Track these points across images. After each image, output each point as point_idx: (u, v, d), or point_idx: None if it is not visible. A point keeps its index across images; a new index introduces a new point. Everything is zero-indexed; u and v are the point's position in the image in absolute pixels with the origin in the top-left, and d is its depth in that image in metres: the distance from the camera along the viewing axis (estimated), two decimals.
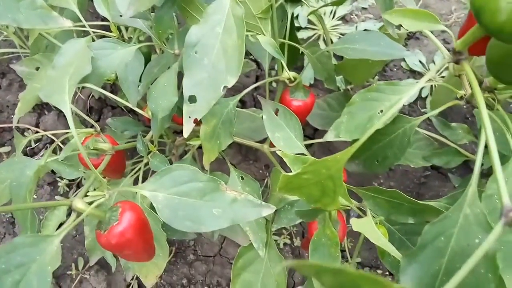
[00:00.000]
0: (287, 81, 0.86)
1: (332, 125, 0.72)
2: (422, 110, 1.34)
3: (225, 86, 0.62)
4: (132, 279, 1.12)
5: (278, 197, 0.84)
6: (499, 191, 0.41)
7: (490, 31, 0.43)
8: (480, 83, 0.66)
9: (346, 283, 0.24)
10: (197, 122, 0.66)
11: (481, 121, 0.47)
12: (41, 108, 1.40)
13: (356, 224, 0.60)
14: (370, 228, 0.60)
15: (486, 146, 0.48)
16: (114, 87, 1.31)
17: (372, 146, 0.72)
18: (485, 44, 0.55)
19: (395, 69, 1.42)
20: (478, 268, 0.47)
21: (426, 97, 1.34)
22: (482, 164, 0.97)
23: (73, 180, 1.27)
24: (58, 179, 1.27)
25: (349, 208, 0.69)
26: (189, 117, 0.62)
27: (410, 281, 0.51)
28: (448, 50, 0.61)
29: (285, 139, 0.79)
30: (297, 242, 1.18)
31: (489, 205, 0.54)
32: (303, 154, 0.75)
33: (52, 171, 1.25)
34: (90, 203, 0.61)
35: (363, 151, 0.73)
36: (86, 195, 0.65)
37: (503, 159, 0.58)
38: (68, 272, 1.15)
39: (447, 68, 1.34)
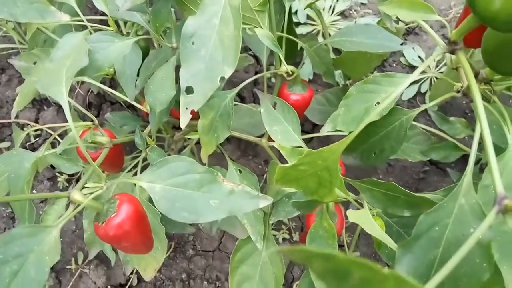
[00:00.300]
0: (285, 75, 0.86)
1: (329, 118, 0.72)
2: (421, 106, 1.34)
3: (222, 77, 0.62)
4: (131, 273, 1.13)
5: (275, 190, 0.84)
6: (493, 180, 0.41)
7: (484, 20, 0.43)
8: (476, 75, 0.66)
9: (337, 268, 0.24)
10: (196, 116, 0.66)
11: (476, 111, 0.47)
12: (41, 103, 1.40)
13: (352, 215, 0.60)
14: (367, 219, 0.60)
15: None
16: (113, 82, 1.31)
17: (369, 138, 0.72)
18: (481, 36, 0.55)
19: (394, 65, 1.42)
20: (473, 258, 0.47)
21: (426, 92, 1.34)
22: (481, 159, 0.98)
23: (73, 175, 1.28)
24: (57, 174, 1.28)
25: (347, 200, 0.69)
26: (186, 108, 0.63)
27: (405, 271, 0.51)
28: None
29: (282, 133, 0.79)
30: (296, 237, 1.18)
31: (485, 195, 0.54)
32: (300, 147, 0.75)
33: (52, 166, 1.26)
34: (88, 195, 0.61)
35: (360, 143, 0.73)
36: (84, 187, 0.65)
37: (501, 152, 0.59)
38: (68, 267, 1.15)
39: (446, 64, 1.34)
